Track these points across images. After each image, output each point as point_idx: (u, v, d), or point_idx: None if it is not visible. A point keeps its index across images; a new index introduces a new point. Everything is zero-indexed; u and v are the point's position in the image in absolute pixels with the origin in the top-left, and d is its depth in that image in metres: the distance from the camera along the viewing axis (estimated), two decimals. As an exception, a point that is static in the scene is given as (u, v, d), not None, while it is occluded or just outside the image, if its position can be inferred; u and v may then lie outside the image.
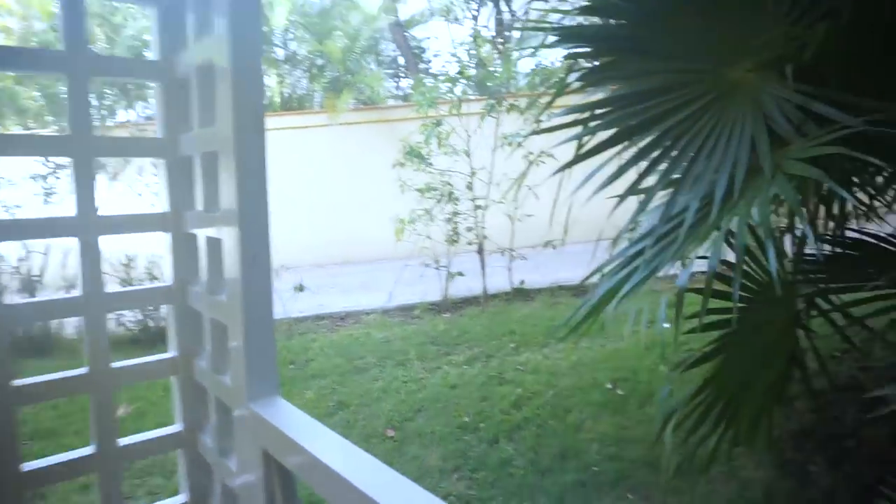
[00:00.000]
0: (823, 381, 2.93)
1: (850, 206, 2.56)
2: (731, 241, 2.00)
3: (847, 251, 2.25)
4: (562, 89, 2.51)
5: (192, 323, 1.28)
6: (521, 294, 6.04)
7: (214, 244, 1.16)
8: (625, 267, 2.16)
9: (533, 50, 2.51)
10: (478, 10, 14.16)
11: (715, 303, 2.10)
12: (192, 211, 1.23)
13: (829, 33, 1.88)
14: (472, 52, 6.36)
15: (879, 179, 2.44)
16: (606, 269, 2.27)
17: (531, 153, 6.22)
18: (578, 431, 3.21)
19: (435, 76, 6.46)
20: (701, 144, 2.02)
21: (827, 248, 2.28)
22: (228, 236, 1.11)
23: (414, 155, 5.62)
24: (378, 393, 3.93)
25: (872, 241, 2.20)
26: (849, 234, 2.33)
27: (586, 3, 2.39)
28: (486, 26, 13.60)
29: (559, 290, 6.07)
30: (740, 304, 2.16)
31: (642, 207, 2.10)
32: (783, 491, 2.59)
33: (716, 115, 2.04)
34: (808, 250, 2.44)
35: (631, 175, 2.24)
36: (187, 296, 1.28)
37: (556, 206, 2.40)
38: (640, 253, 2.15)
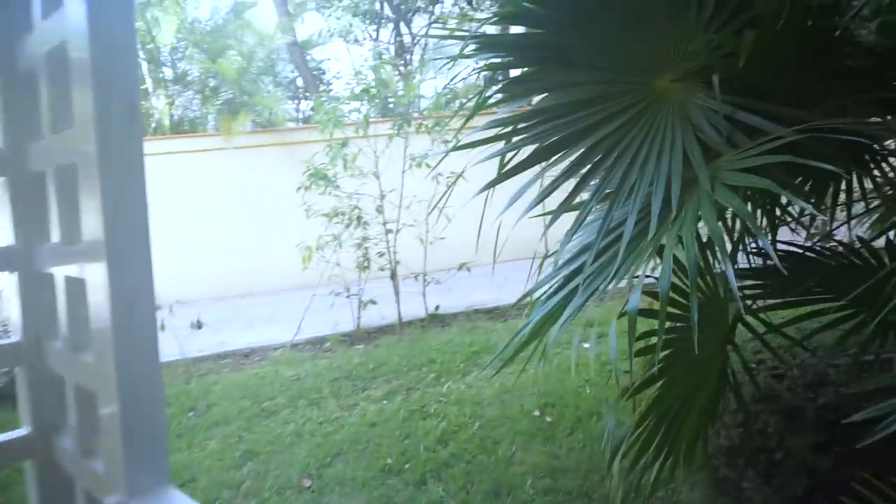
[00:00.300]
0: (743, 394, 2.94)
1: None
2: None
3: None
4: (482, 103, 2.37)
5: (52, 389, 0.99)
6: (436, 320, 5.85)
7: (76, 286, 0.88)
8: (561, 288, 2.03)
9: (447, 62, 2.34)
10: (377, 32, 14.11)
11: (649, 323, 2.01)
12: (46, 244, 0.95)
13: (754, 42, 1.86)
14: (376, 71, 6.19)
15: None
16: (540, 292, 2.13)
17: (440, 174, 6.10)
18: (510, 465, 3.04)
19: (337, 99, 6.23)
20: (633, 157, 1.93)
21: (757, 260, 2.26)
22: (94, 275, 0.84)
23: (319, 177, 5.32)
24: (291, 437, 3.58)
25: (799, 251, 2.20)
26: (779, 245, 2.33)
27: (501, 11, 2.28)
28: (390, 44, 13.56)
29: (475, 314, 5.95)
30: (679, 324, 2.08)
31: (576, 224, 1.98)
32: (721, 510, 2.53)
33: (645, 127, 1.96)
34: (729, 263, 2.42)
35: (556, 191, 2.13)
36: (43, 354, 0.99)
37: (479, 226, 2.24)
38: (576, 272, 2.03)
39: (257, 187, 8.23)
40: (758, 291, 2.20)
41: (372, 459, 3.25)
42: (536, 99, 2.47)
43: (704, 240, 1.96)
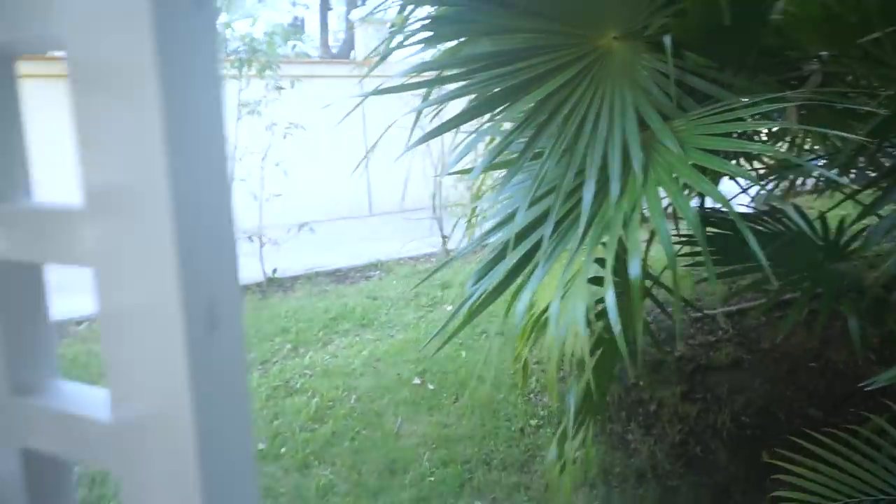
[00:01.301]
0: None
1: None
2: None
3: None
4: (401, 42, 2.09)
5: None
6: (276, 284, 5.38)
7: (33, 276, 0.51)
8: (502, 255, 1.87)
9: None
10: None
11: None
12: None
13: (698, 6, 1.85)
14: None
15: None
16: (482, 256, 1.97)
17: (275, 124, 5.56)
18: (399, 438, 2.88)
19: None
20: (583, 117, 1.82)
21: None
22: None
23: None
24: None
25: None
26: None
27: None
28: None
29: (317, 277, 5.58)
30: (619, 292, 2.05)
31: (509, 183, 1.83)
32: (615, 462, 2.64)
33: (593, 86, 1.86)
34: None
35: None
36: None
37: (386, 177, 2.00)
38: (519, 238, 1.88)
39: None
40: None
41: (238, 447, 2.86)
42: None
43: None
